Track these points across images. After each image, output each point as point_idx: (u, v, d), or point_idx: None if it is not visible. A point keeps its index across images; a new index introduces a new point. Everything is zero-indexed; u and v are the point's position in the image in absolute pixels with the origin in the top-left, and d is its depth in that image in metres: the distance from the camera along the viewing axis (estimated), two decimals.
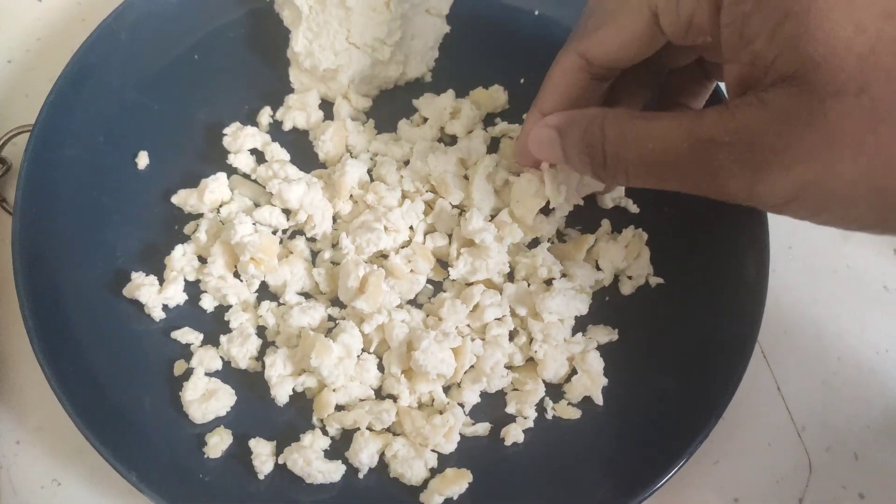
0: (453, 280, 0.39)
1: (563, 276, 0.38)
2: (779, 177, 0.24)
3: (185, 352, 0.37)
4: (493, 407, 0.37)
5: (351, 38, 0.43)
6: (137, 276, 0.37)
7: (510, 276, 0.39)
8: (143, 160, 0.41)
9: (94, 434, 0.33)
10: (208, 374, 0.36)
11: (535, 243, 0.40)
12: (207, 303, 0.38)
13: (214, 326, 0.38)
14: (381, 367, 0.37)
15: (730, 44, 0.25)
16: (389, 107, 0.44)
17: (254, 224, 0.38)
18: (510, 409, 0.37)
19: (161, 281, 0.38)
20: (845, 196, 0.24)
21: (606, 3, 0.30)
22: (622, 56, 0.31)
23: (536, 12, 0.46)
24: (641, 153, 0.27)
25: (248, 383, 0.36)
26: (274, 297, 0.39)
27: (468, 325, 0.38)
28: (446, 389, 0.37)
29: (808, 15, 0.22)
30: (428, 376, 0.35)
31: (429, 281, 0.39)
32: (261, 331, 0.38)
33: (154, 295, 0.37)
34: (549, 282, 0.38)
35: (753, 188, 0.25)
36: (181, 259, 0.38)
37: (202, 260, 0.39)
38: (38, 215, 0.38)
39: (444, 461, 0.35)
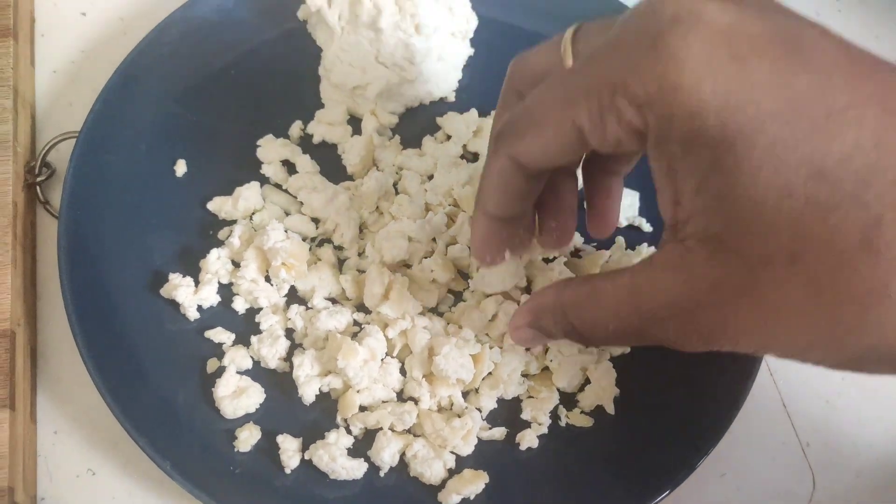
0: (472, 291, 0.41)
1: None
2: (728, 344, 0.24)
3: (218, 350, 0.38)
4: (509, 413, 0.38)
5: (380, 58, 0.45)
6: (174, 278, 0.39)
7: (527, 289, 0.41)
8: (181, 168, 0.43)
9: (131, 424, 0.34)
10: (239, 373, 0.38)
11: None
12: (239, 305, 0.40)
13: (245, 327, 0.39)
14: (403, 371, 0.38)
15: (659, 175, 0.23)
16: (414, 124, 0.46)
17: (285, 231, 0.40)
18: (525, 416, 0.38)
19: (196, 282, 0.39)
20: (800, 355, 0.23)
21: (532, 110, 0.27)
22: (550, 161, 0.28)
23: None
24: (608, 333, 0.28)
25: (277, 382, 0.38)
26: (302, 301, 0.40)
27: (486, 334, 0.39)
28: (465, 394, 0.38)
29: (737, 172, 0.20)
30: (448, 381, 0.36)
31: (449, 291, 0.41)
32: (289, 333, 0.39)
33: (190, 296, 0.38)
34: None
35: (710, 348, 0.25)
36: (216, 262, 0.40)
37: (235, 264, 0.40)
38: (82, 217, 0.39)
39: (462, 462, 0.36)
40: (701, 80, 0.20)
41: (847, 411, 0.42)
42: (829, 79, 0.20)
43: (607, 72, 0.23)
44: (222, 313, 0.39)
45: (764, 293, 0.21)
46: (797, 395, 0.42)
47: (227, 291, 0.40)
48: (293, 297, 0.40)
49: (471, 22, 0.47)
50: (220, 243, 0.41)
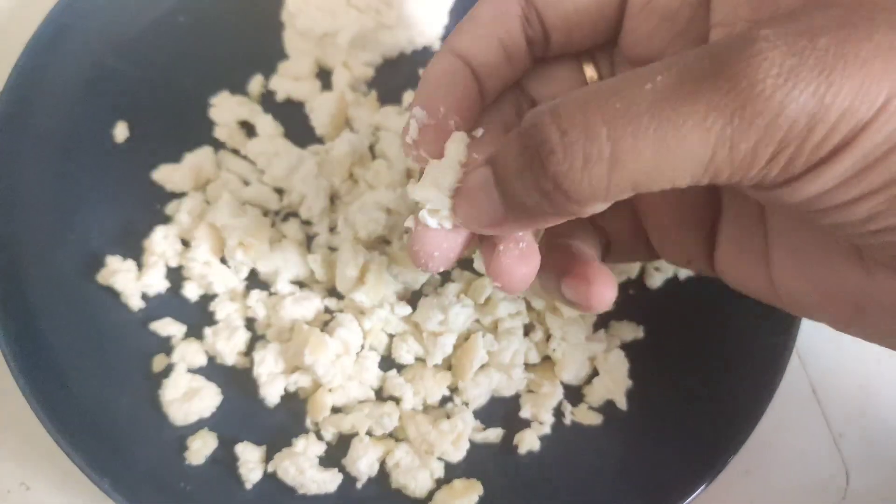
0: (462, 270, 0.36)
1: None
2: (856, 77, 0.16)
3: (166, 345, 0.34)
4: (505, 411, 0.34)
5: (354, 1, 0.40)
6: (113, 261, 0.34)
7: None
8: (121, 132, 0.38)
9: (63, 435, 0.30)
10: (191, 371, 0.33)
11: None
12: (191, 291, 0.35)
13: (198, 318, 0.35)
14: (382, 366, 0.34)
15: None
16: (394, 77, 0.41)
17: (242, 204, 0.36)
18: (524, 414, 0.34)
19: (140, 266, 0.35)
20: None
21: None
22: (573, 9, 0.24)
23: None
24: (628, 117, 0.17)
25: (235, 381, 0.34)
26: (264, 285, 0.36)
27: (477, 321, 0.35)
28: (453, 390, 0.34)
29: None
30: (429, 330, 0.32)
31: None
32: (250, 323, 0.35)
33: (131, 282, 0.34)
34: None
35: (823, 100, 0.16)
36: (162, 242, 0.35)
37: (185, 243, 0.36)
38: (4, 190, 0.35)
39: (452, 471, 0.32)
40: None
41: (884, 398, 0.38)
42: None
43: None
44: (170, 302, 0.35)
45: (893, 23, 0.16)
46: (829, 380, 0.38)
47: (175, 276, 0.36)
48: (254, 281, 0.36)
49: None
50: (167, 219, 0.37)
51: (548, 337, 0.34)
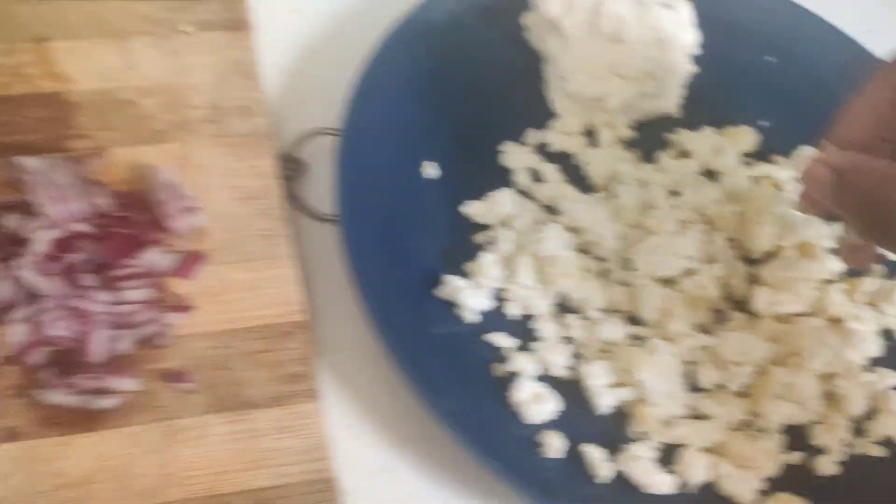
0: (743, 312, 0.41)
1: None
2: None
3: (499, 355, 0.38)
4: (800, 437, 0.38)
5: (621, 70, 0.45)
6: (451, 279, 0.38)
7: None
8: (429, 170, 0.43)
9: (457, 427, 0.34)
10: (532, 378, 0.37)
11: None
12: (513, 310, 0.39)
13: (523, 333, 0.39)
14: (695, 388, 0.38)
15: None
16: (646, 138, 0.46)
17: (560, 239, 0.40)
18: (818, 441, 0.37)
19: (470, 285, 0.39)
20: None
21: None
22: None
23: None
24: None
25: (566, 390, 0.37)
26: (575, 310, 0.40)
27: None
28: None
29: None
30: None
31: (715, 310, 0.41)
32: (567, 341, 0.39)
33: (469, 297, 0.38)
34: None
35: None
36: (488, 266, 0.39)
37: (505, 268, 0.40)
38: (355, 216, 0.39)
39: (769, 485, 0.36)
40: None
41: None
42: None
43: None
44: (496, 318, 0.39)
45: None
46: None
47: (499, 296, 0.40)
48: (566, 306, 0.40)
49: (695, 39, 0.47)
50: (479, 247, 0.41)
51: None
